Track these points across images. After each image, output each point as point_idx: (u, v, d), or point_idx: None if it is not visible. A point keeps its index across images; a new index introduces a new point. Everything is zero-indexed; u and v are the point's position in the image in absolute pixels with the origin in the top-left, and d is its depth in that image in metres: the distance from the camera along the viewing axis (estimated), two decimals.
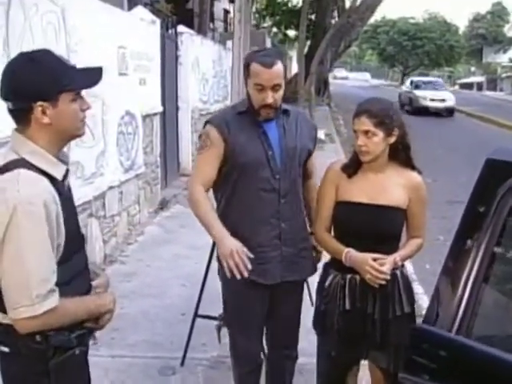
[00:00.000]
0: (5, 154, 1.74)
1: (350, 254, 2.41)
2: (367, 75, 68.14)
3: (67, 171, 1.84)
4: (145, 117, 6.85)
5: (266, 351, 2.96)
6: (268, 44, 23.69)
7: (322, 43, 16.55)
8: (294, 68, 27.53)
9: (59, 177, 1.78)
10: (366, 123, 2.37)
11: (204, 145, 2.62)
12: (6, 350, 1.79)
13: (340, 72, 73.33)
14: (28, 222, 1.64)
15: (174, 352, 3.77)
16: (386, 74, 71.77)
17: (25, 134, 1.74)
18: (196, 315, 3.64)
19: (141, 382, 3.51)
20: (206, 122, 2.68)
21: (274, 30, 32.12)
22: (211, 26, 17.59)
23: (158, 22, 7.45)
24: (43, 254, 1.69)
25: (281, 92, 2.55)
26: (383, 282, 2.35)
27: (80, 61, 4.71)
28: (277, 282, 2.66)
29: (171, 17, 8.89)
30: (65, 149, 1.90)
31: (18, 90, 1.71)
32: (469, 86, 52.56)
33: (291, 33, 31.13)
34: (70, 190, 1.90)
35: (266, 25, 30.97)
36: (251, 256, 2.41)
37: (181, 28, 9.11)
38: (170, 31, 8.65)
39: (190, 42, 9.31)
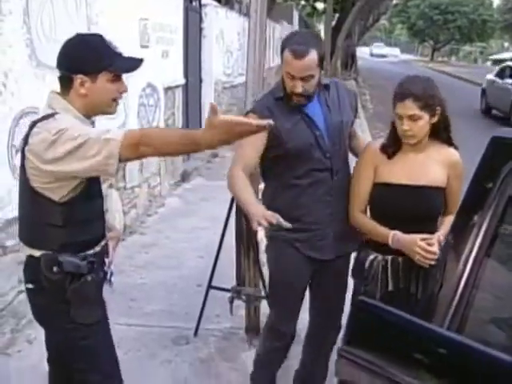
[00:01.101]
0: (42, 110, 2.03)
1: (397, 237, 2.35)
2: (397, 50, 63.78)
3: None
4: (167, 89, 6.86)
5: (308, 321, 2.97)
6: (295, 17, 23.45)
7: (348, 16, 16.27)
8: None
9: None
10: (411, 108, 2.29)
11: None
12: (30, 286, 2.11)
13: (379, 48, 62.13)
14: (73, 131, 1.88)
15: (189, 322, 3.84)
16: (415, 49, 70.44)
17: (63, 97, 2.03)
18: (209, 287, 3.69)
19: (155, 350, 3.58)
20: (248, 112, 2.64)
21: (303, 2, 31.69)
22: None
23: None
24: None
25: (313, 81, 2.48)
26: (433, 262, 2.28)
27: (100, 33, 4.74)
28: (331, 257, 2.67)
29: None
30: None
31: (65, 61, 2.02)
32: (501, 62, 51.32)
33: (320, 5, 30.67)
34: None
35: None
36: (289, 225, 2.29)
37: (205, 0, 9.06)
38: (194, 3, 8.60)
39: (215, 14, 9.26)
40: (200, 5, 8.85)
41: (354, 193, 2.57)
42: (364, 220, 2.53)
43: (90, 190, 2.05)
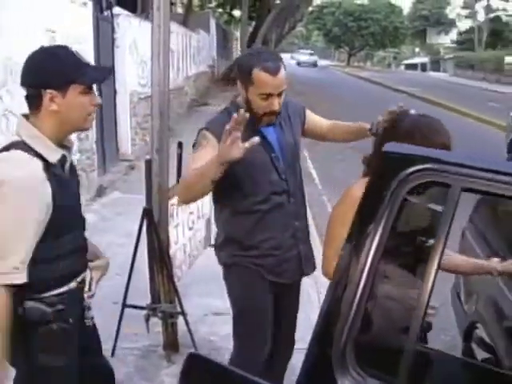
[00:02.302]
0: (12, 137, 1.92)
1: None
2: (314, 56, 65.51)
3: (64, 156, 1.96)
4: None
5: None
6: (213, 25, 23.46)
7: (263, 24, 16.48)
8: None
9: (53, 161, 1.90)
10: None
11: (199, 144, 2.45)
12: None
13: (305, 55, 54.98)
14: (11, 196, 1.78)
15: (106, 342, 3.69)
16: (332, 55, 72.21)
17: (32, 120, 1.90)
18: (124, 305, 3.60)
19: None
20: (202, 129, 2.49)
21: (220, 10, 31.80)
22: None
23: (91, 3, 7.24)
24: (21, 231, 1.82)
25: (283, 96, 2.45)
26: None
27: (3, 46, 4.56)
28: (295, 279, 2.63)
29: None
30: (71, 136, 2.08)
31: (31, 77, 1.89)
32: (413, 66, 53.49)
33: (237, 13, 30.88)
34: (73, 173, 2.08)
35: (211, 5, 30.63)
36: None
37: (117, 10, 8.91)
38: (105, 13, 8.44)
39: (128, 24, 9.11)
40: (112, 15, 8.69)
41: (334, 241, 2.23)
42: None
43: (57, 226, 1.90)
